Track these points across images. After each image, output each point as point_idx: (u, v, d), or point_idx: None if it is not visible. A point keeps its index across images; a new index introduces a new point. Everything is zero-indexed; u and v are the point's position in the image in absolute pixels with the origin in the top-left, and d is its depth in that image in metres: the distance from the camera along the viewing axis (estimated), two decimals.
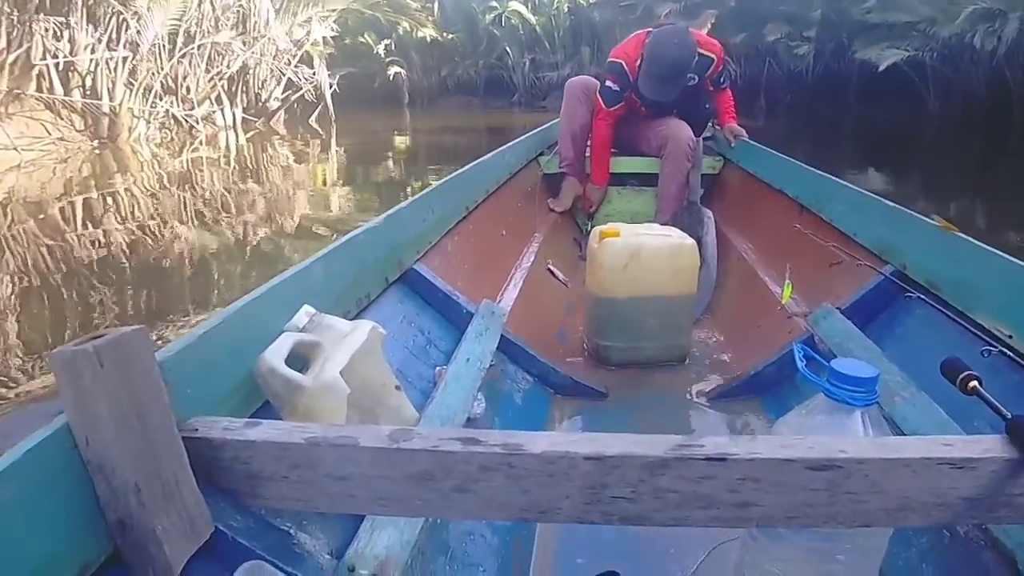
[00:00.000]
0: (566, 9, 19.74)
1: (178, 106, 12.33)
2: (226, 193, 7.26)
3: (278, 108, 14.97)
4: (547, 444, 0.78)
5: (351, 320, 1.31)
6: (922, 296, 1.53)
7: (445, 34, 21.08)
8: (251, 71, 14.20)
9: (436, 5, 21.20)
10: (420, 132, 15.24)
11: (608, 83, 3.15)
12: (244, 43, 13.44)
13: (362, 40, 21.09)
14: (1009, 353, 1.17)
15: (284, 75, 14.73)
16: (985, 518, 0.83)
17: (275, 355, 0.98)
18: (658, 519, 0.80)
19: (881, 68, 12.73)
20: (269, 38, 13.92)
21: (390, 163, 10.43)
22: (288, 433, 0.82)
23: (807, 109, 15.44)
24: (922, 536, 1.10)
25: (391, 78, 21.24)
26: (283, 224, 5.79)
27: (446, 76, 21.68)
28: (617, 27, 17.07)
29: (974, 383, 0.91)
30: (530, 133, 3.53)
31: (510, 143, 3.16)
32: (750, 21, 15.45)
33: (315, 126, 14.62)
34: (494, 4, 20.45)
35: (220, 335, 0.97)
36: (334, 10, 15.88)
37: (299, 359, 1.03)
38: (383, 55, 21.28)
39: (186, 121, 12.32)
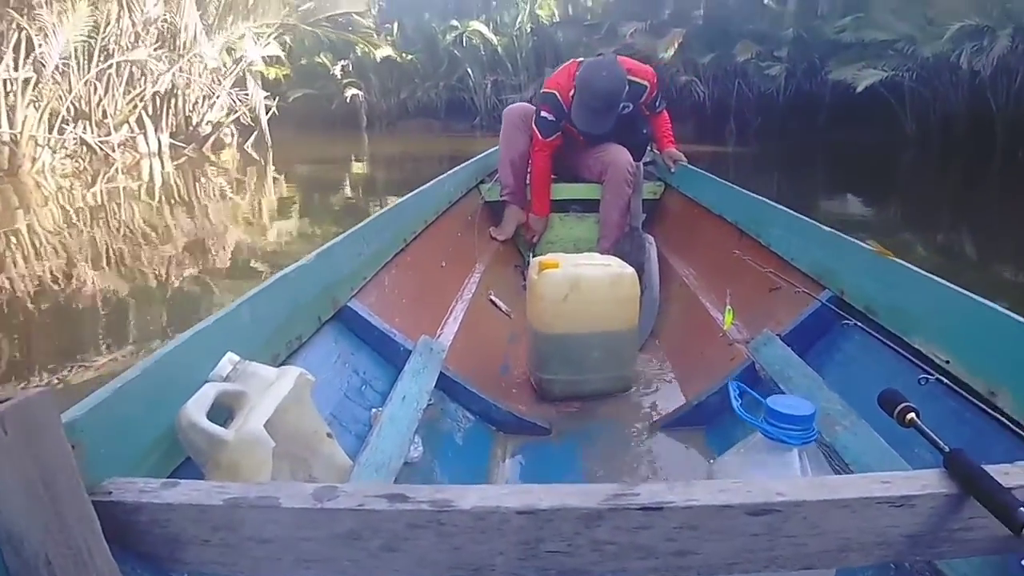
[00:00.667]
0: (529, 30, 19.47)
1: (92, 132, 11.32)
2: (146, 228, 6.66)
3: (211, 133, 14.05)
4: (477, 499, 0.75)
5: (282, 364, 1.28)
6: (859, 323, 1.54)
7: (404, 55, 20.69)
8: (179, 92, 13.27)
9: (395, 25, 20.82)
10: (375, 159, 14.69)
11: (543, 113, 3.15)
12: (170, 61, 12.58)
13: (318, 60, 20.74)
14: (945, 380, 1.18)
15: (216, 97, 13.81)
16: (927, 554, 0.82)
17: (196, 408, 0.93)
18: (596, 572, 0.77)
19: (859, 89, 12.37)
20: (197, 55, 13.05)
21: (335, 194, 9.72)
22: (207, 494, 0.77)
23: (779, 132, 15.22)
24: (867, 572, 1.10)
25: (348, 100, 20.89)
26: (211, 262, 5.30)
27: (406, 98, 21.32)
28: (581, 47, 16.75)
29: (911, 415, 0.90)
30: (470, 160, 3.51)
31: (450, 171, 3.14)
32: (719, 41, 15.26)
33: (251, 152, 13.88)
34: (455, 24, 20.13)
35: (137, 388, 0.92)
36: (269, 25, 15.09)
37: (223, 411, 0.98)
38: (340, 76, 20.93)
39: (100, 148, 11.32)
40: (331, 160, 13.94)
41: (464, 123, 19.86)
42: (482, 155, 3.65)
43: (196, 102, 13.81)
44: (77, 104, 11.24)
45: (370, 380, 1.57)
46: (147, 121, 12.73)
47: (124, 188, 9.23)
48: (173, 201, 8.53)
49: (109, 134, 11.65)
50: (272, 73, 19.59)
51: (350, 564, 0.77)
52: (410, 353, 1.65)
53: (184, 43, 12.82)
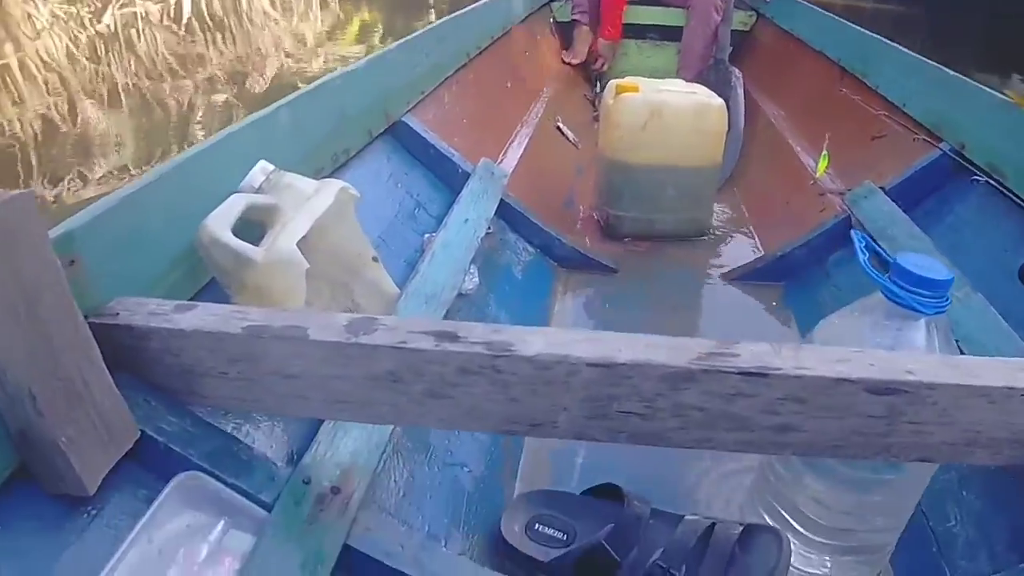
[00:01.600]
0: None
1: None
2: (170, 62, 5.56)
3: None
4: (543, 344, 0.63)
5: (323, 179, 1.14)
6: (982, 180, 1.34)
7: None
8: None
9: None
10: None
11: None
12: None
13: None
14: None
15: None
16: None
17: (220, 221, 0.80)
18: (676, 440, 0.66)
19: None
20: None
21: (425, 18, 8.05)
22: (224, 320, 0.66)
23: None
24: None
25: None
26: (246, 99, 4.50)
27: None
28: None
29: None
30: None
31: None
32: None
33: None
34: None
35: (152, 197, 0.79)
36: None
37: (254, 227, 0.86)
38: None
39: None
40: None
41: None
42: None
43: None
44: None
45: (424, 202, 1.44)
46: None
47: (144, 14, 7.69)
48: (207, 27, 7.23)
49: None
50: None
51: (389, 409, 0.67)
52: (469, 176, 1.51)
53: None
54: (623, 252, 1.83)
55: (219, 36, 6.99)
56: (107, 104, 4.45)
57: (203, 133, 3.87)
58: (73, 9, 7.60)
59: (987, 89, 1.45)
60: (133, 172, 3.39)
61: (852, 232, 0.80)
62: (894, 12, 10.31)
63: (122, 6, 7.94)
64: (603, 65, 3.14)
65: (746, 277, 1.70)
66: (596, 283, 1.67)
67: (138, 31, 6.84)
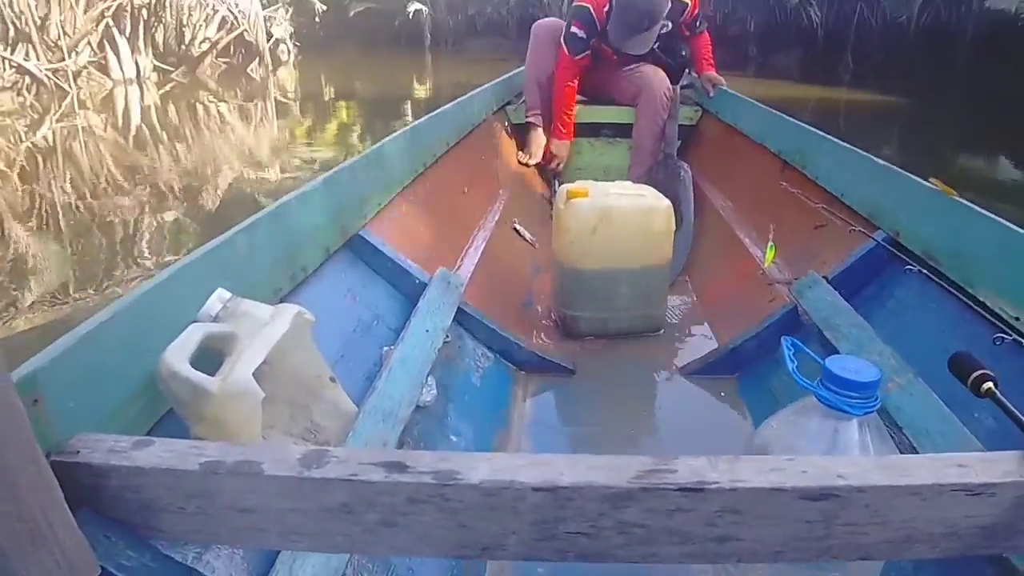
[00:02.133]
0: None
1: (38, 57, 8.97)
2: (113, 175, 5.24)
3: (206, 53, 11.73)
4: (488, 471, 0.65)
5: (284, 298, 1.18)
6: (917, 267, 1.40)
7: None
8: (165, 2, 10.75)
9: None
10: (437, 86, 12.42)
11: (574, 29, 2.94)
12: None
13: None
14: (1020, 339, 1.05)
15: (213, 9, 11.39)
16: (1002, 547, 0.71)
17: (177, 354, 0.83)
18: (622, 556, 0.67)
19: None
20: None
21: (356, 134, 8.04)
22: (181, 457, 0.68)
23: (906, 72, 12.39)
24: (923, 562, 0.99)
25: (411, 16, 19.04)
26: (196, 212, 4.19)
27: (474, 15, 19.40)
28: None
29: (989, 384, 0.78)
30: (496, 80, 3.33)
31: (474, 91, 2.97)
32: None
33: (256, 78, 12.01)
34: None
35: (112, 332, 0.81)
36: None
37: (212, 355, 0.88)
38: None
39: (49, 78, 9.01)
40: (378, 86, 12.28)
41: None
42: (509, 74, 3.47)
43: (189, 15, 11.56)
44: (16, 22, 9.01)
45: (383, 315, 1.47)
46: (120, 40, 10.35)
47: (86, 126, 7.36)
48: (158, 138, 7.00)
49: (63, 59, 9.41)
50: None
51: (343, 539, 0.68)
52: (426, 286, 1.54)
53: None
54: (581, 351, 1.86)
55: (172, 146, 6.73)
56: (43, 226, 4.16)
57: (150, 254, 3.68)
58: (6, 122, 7.37)
59: (917, 179, 1.54)
60: (72, 298, 3.17)
61: (782, 339, 0.84)
62: (871, 101, 10.60)
63: (61, 117, 7.77)
64: (558, 164, 3.24)
65: (701, 370, 1.74)
66: (555, 384, 1.70)
67: (80, 144, 6.58)
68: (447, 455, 0.67)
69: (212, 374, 0.84)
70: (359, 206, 1.57)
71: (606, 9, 2.85)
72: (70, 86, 9.39)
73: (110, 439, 0.70)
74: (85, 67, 9.87)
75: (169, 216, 4.17)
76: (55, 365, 0.73)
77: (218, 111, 9.02)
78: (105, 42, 10.19)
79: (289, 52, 14.87)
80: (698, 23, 3.13)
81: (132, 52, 10.51)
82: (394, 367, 1.21)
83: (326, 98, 11.14)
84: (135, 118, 8.19)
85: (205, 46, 11.91)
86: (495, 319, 1.72)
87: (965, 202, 1.36)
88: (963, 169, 6.27)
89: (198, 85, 10.98)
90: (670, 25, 2.96)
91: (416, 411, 1.20)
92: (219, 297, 0.94)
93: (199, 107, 9.27)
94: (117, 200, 4.60)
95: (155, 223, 4.11)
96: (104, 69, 10.18)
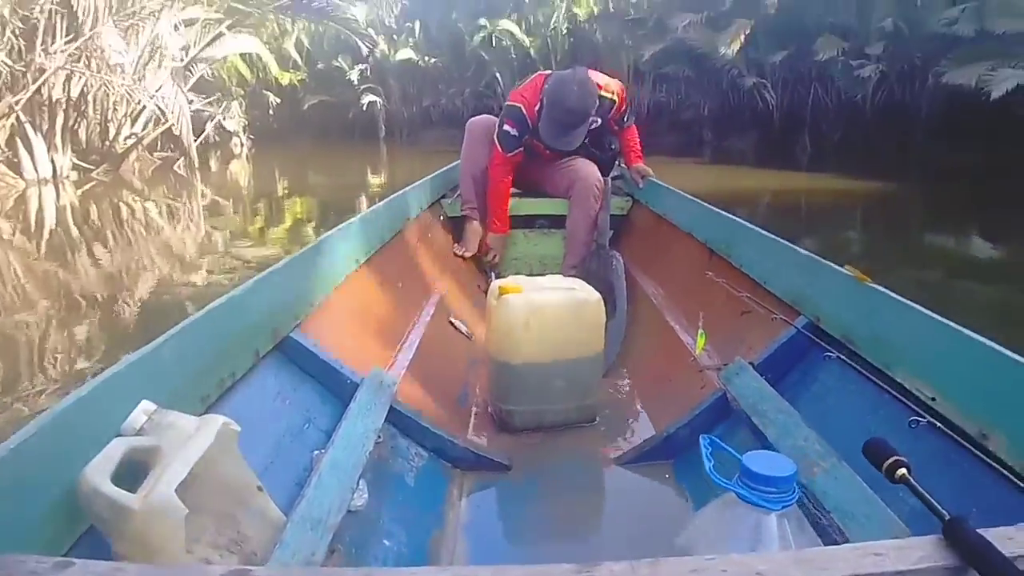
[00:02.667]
0: (565, 29, 17.52)
1: None
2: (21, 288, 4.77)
3: (129, 150, 11.24)
4: None
5: (212, 405, 1.17)
6: (837, 354, 1.46)
7: (427, 58, 19.12)
8: (90, 97, 10.24)
9: (417, 25, 19.22)
10: (392, 174, 12.33)
11: (506, 127, 3.05)
12: (67, 57, 9.49)
13: (335, 64, 19.39)
14: (934, 421, 1.10)
15: (139, 104, 10.81)
16: None
17: (98, 470, 0.81)
18: None
19: (995, 96, 9.21)
20: (96, 47, 9.70)
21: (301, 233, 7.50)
22: None
23: (863, 149, 12.35)
24: None
25: (365, 108, 19.52)
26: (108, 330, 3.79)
27: (428, 106, 20.00)
28: (622, 49, 15.02)
29: (902, 471, 0.82)
30: (431, 175, 3.41)
31: (409, 186, 3.03)
32: (794, 35, 12.67)
33: (184, 174, 11.41)
34: (483, 23, 18.20)
35: (34, 447, 0.80)
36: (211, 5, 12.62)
37: (136, 468, 0.86)
38: (357, 83, 19.64)
39: None
40: (333, 177, 11.94)
41: None
42: (444, 169, 3.55)
43: (112, 109, 10.97)
44: None
45: (314, 418, 1.45)
46: (34, 137, 9.64)
47: None
48: (66, 243, 6.41)
49: None
50: (286, 78, 18.61)
51: None
52: (358, 387, 1.53)
53: (79, 28, 9.51)
54: (516, 445, 1.85)
55: (89, 250, 6.22)
56: None
57: (56, 375, 3.33)
58: None
59: (834, 266, 1.61)
60: None
61: (700, 438, 0.87)
62: (829, 184, 10.09)
63: None
64: (494, 257, 3.30)
65: (637, 459, 1.75)
66: (491, 481, 1.68)
67: None
68: (372, 571, 0.67)
69: (135, 489, 0.83)
70: (291, 307, 1.57)
71: (537, 108, 2.97)
72: None
73: (31, 560, 0.68)
74: None
75: (81, 330, 3.86)
76: None
77: (144, 210, 8.65)
78: (16, 139, 9.48)
79: (242, 145, 14.96)
80: (626, 117, 3.26)
81: (48, 149, 9.84)
82: (323, 472, 1.20)
83: (279, 192, 10.81)
84: (49, 221, 7.62)
85: (131, 141, 11.34)
86: (429, 416, 1.72)
87: (879, 288, 1.43)
88: (931, 247, 6.35)
89: (121, 183, 10.42)
90: (599, 121, 3.08)
91: (347, 516, 1.18)
92: (143, 409, 0.93)
93: (123, 207, 8.78)
94: (22, 316, 4.20)
95: (65, 338, 3.80)
96: (16, 168, 9.43)
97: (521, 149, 3.09)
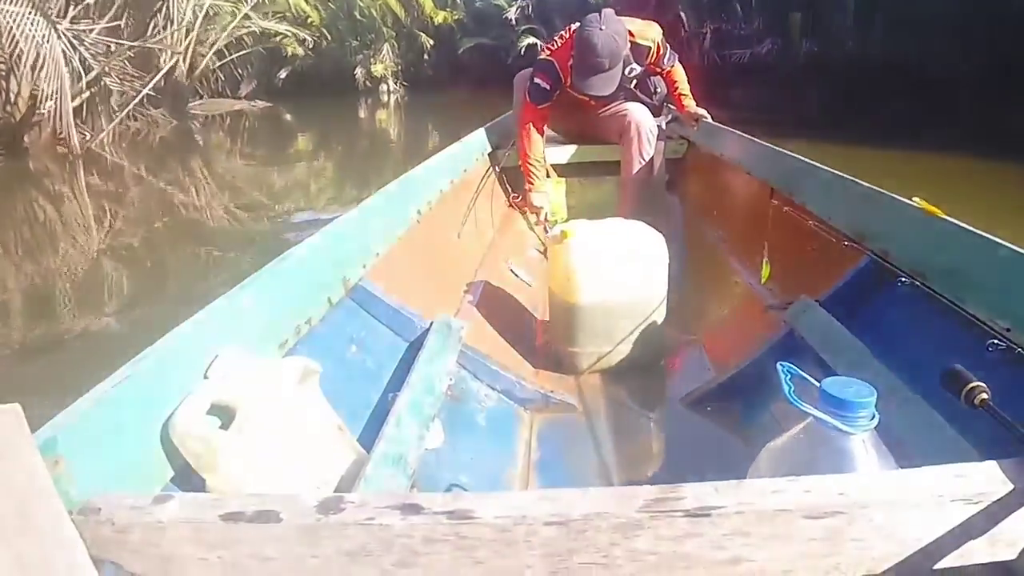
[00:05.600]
0: None
1: None
2: None
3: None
4: (500, 508, 0.67)
5: (290, 351, 1.20)
6: (907, 284, 1.43)
7: None
8: None
9: None
10: None
11: (537, 80, 2.98)
12: None
13: (495, 2, 17.09)
14: (1014, 346, 1.08)
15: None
16: (1004, 554, 0.73)
17: (191, 412, 0.85)
18: None
19: None
20: None
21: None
22: (201, 509, 0.70)
23: None
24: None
25: (523, 52, 16.34)
26: None
27: None
28: None
29: (983, 395, 0.80)
30: (486, 125, 3.39)
31: (464, 138, 3.02)
32: None
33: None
34: None
35: (126, 392, 0.84)
36: None
37: (223, 411, 0.90)
38: (515, 22, 17.16)
39: None
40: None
41: None
42: (497, 119, 3.53)
43: None
44: None
45: (386, 363, 1.49)
46: None
47: None
48: None
49: None
50: (441, 17, 16.98)
51: None
52: (427, 332, 1.57)
53: None
54: (582, 386, 1.88)
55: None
56: None
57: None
58: None
59: (902, 199, 1.56)
60: None
61: (778, 365, 0.87)
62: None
63: None
64: (544, 215, 3.27)
65: (701, 399, 1.75)
66: (559, 421, 1.71)
67: None
68: (460, 495, 0.69)
69: (224, 429, 0.86)
70: (358, 257, 1.60)
71: (569, 63, 2.88)
72: None
73: (130, 496, 0.73)
74: None
75: None
76: (73, 427, 0.75)
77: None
78: None
79: (390, 92, 14.23)
80: (667, 59, 3.14)
81: None
82: (401, 413, 1.23)
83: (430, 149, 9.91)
84: None
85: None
86: (496, 360, 1.74)
87: (950, 219, 1.39)
88: None
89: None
90: (638, 68, 3.00)
91: (425, 454, 1.21)
92: (229, 354, 0.96)
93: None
94: None
95: None
96: None
97: (550, 103, 3.01)
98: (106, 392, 0.82)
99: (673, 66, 3.21)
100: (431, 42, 17.31)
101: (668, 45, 3.12)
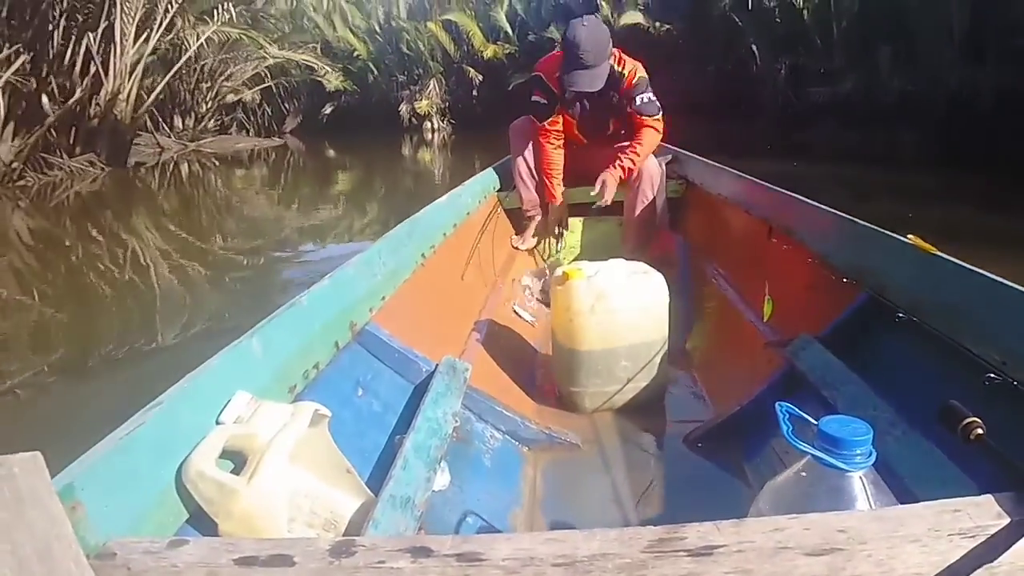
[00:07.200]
0: None
1: None
2: None
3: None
4: (509, 549, 0.69)
5: (299, 396, 1.22)
6: (904, 320, 1.45)
7: (659, 24, 14.29)
8: None
9: None
10: None
11: (534, 98, 3.07)
12: None
13: (547, 35, 15.25)
14: (1009, 380, 1.10)
15: None
16: None
17: (204, 456, 0.88)
18: None
19: None
20: None
21: None
22: (216, 552, 0.72)
23: None
24: None
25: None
26: None
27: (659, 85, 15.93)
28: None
29: (978, 431, 0.82)
30: (488, 168, 3.44)
31: (467, 180, 3.08)
32: None
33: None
34: None
35: (142, 438, 0.86)
36: None
37: (235, 456, 0.93)
38: None
39: None
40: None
41: (740, 124, 12.46)
42: (499, 163, 3.58)
43: None
44: None
45: (393, 405, 1.51)
46: None
47: None
48: None
49: None
50: (491, 51, 16.08)
51: None
52: (433, 374, 1.59)
53: None
54: (585, 426, 1.89)
55: None
56: None
57: None
58: None
59: (895, 236, 1.59)
60: None
61: (776, 405, 0.89)
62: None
63: None
64: (559, 229, 3.32)
65: (703, 438, 1.77)
66: (563, 460, 1.72)
67: None
68: (468, 537, 0.71)
69: (238, 473, 0.89)
70: (364, 300, 1.63)
71: (558, 75, 2.92)
72: None
73: (145, 541, 0.74)
74: None
75: None
76: (91, 471, 0.78)
77: None
78: None
79: (434, 130, 13.72)
80: (643, 99, 3.00)
81: None
82: (408, 455, 1.25)
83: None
84: None
85: None
86: (501, 400, 1.76)
87: (944, 256, 1.42)
88: None
89: None
90: (616, 95, 3.00)
91: (432, 496, 1.23)
92: (240, 399, 0.99)
93: None
94: None
95: None
96: None
97: (556, 116, 3.08)
98: (121, 437, 0.84)
99: (649, 114, 3.06)
100: (480, 77, 16.73)
101: (651, 89, 3.06)
